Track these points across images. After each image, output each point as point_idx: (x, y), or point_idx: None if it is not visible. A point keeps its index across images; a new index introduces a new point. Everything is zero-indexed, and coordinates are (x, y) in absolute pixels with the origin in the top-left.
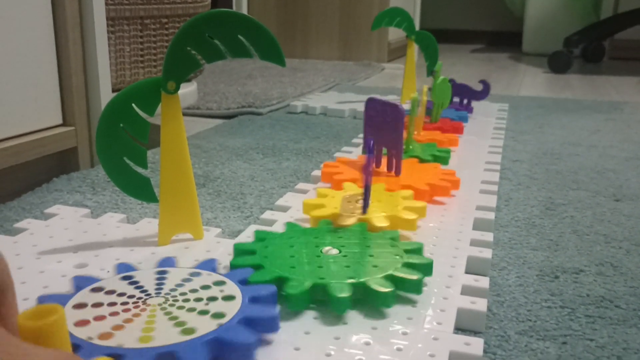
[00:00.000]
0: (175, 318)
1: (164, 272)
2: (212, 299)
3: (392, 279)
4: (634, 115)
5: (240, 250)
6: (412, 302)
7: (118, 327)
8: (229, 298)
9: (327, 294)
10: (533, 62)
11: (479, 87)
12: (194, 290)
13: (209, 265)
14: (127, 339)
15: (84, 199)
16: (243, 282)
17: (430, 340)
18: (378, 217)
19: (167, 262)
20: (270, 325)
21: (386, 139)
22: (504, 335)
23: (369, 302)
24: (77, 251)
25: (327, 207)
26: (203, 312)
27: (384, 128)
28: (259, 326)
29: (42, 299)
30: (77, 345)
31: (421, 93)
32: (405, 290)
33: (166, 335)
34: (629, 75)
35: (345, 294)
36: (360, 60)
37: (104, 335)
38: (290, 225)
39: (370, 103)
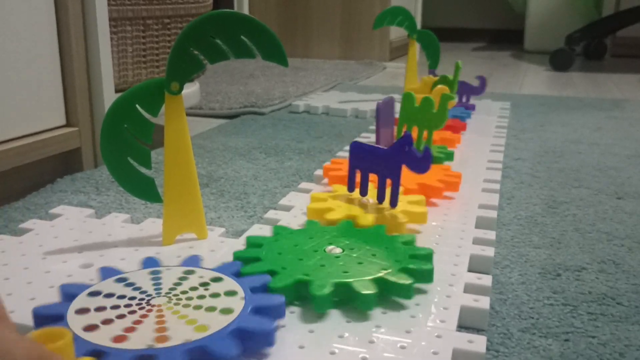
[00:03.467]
0: (185, 316)
1: (157, 272)
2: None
3: (381, 282)
4: (635, 113)
5: (249, 243)
6: (415, 301)
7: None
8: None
9: (308, 291)
10: (535, 60)
11: (475, 83)
12: (194, 288)
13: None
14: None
15: (88, 199)
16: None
17: (433, 338)
18: (395, 214)
19: (193, 261)
20: (277, 314)
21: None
22: (507, 333)
23: (351, 302)
24: (82, 251)
25: (335, 211)
26: (211, 309)
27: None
28: (268, 316)
29: (64, 288)
30: (100, 352)
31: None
32: (394, 294)
33: (184, 333)
34: (630, 73)
35: (325, 292)
36: (362, 59)
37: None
38: (310, 223)
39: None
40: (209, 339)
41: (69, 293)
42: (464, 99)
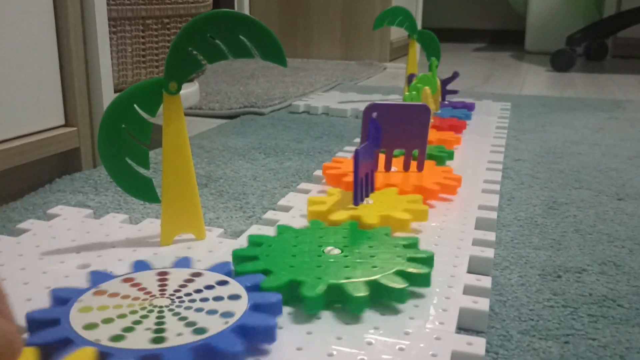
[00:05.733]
0: (184, 318)
1: (165, 274)
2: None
3: (403, 274)
4: (637, 114)
5: (251, 242)
6: (414, 302)
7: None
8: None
9: (344, 294)
10: (536, 60)
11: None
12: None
13: (224, 268)
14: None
15: (86, 199)
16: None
17: (432, 340)
18: (369, 215)
19: (184, 262)
20: (274, 311)
21: (402, 139)
22: (506, 335)
23: (383, 298)
24: (79, 252)
25: (339, 211)
26: (212, 311)
27: (397, 129)
28: (267, 313)
29: (55, 292)
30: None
31: (422, 93)
32: (388, 298)
33: (180, 335)
34: (632, 74)
35: (362, 293)
36: (362, 59)
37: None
38: (314, 223)
39: (374, 108)
40: (213, 337)
41: (60, 297)
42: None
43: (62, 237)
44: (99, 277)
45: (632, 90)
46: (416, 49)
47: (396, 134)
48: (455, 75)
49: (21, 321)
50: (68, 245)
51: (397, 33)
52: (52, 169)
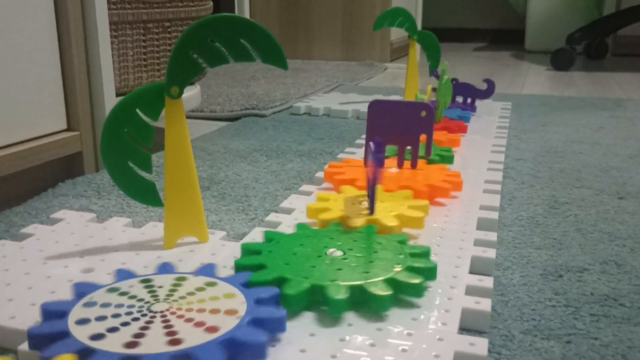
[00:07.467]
0: (191, 320)
1: (150, 280)
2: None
3: (392, 282)
4: (637, 113)
5: (246, 250)
6: (416, 303)
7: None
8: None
9: (324, 295)
10: (536, 59)
11: (483, 86)
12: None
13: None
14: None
15: (89, 203)
16: (245, 285)
17: (434, 341)
18: (388, 217)
19: (167, 267)
20: (278, 326)
21: (399, 136)
22: (509, 335)
23: (366, 305)
24: (83, 256)
25: (332, 210)
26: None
27: (396, 126)
28: (267, 327)
29: (45, 307)
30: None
31: (425, 92)
32: (406, 294)
33: (190, 337)
34: (632, 72)
35: (342, 296)
36: (362, 60)
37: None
38: (300, 227)
39: (376, 105)
40: (196, 347)
41: (82, 293)
42: (468, 101)
43: (65, 241)
44: (123, 275)
45: (632, 88)
46: (416, 49)
47: (392, 131)
48: (490, 86)
49: (25, 325)
50: (71, 249)
51: (397, 33)
52: (54, 173)
